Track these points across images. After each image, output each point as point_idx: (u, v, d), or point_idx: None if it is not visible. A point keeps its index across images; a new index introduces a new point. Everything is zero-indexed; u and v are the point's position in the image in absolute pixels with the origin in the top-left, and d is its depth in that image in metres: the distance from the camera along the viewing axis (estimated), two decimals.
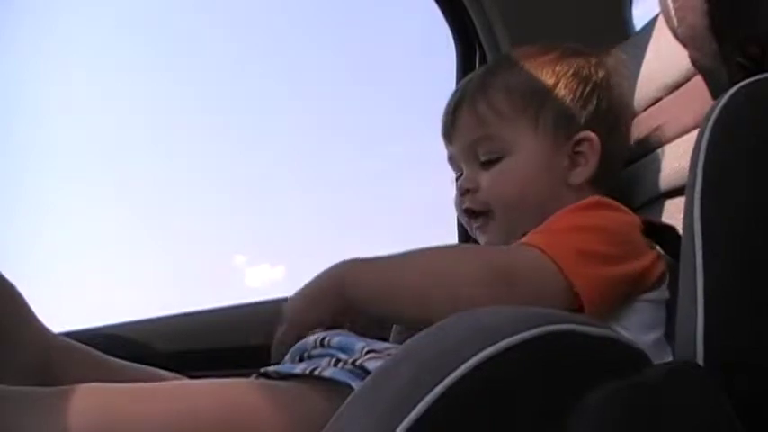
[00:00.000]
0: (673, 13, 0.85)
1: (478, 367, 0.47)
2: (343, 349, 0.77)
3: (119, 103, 2.15)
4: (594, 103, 1.00)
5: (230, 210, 2.29)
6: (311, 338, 0.82)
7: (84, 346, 0.94)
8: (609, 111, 1.01)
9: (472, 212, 1.02)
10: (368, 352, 0.75)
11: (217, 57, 2.26)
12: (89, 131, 2.12)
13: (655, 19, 1.08)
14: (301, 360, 0.81)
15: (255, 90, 2.30)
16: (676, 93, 1.01)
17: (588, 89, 1.00)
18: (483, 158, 1.00)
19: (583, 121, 0.99)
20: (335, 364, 0.74)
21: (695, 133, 0.69)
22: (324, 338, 0.80)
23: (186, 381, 0.76)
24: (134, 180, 2.19)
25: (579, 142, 0.98)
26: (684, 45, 0.87)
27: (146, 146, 2.22)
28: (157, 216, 2.26)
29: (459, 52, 1.55)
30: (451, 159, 1.07)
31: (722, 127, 0.63)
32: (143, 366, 0.97)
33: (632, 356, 0.51)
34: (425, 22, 1.65)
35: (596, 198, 0.91)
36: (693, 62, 0.88)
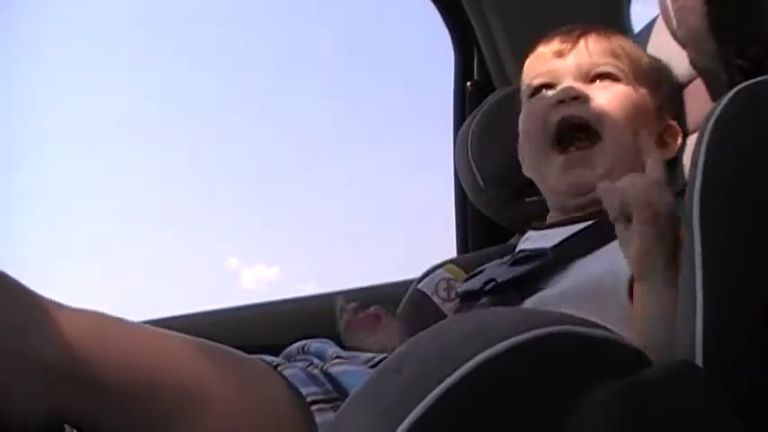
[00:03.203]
0: (672, 14, 0.85)
1: (479, 368, 0.47)
2: (318, 356, 0.82)
3: (112, 104, 2.15)
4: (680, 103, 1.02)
5: (224, 211, 2.29)
6: (294, 346, 0.86)
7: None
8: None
9: (575, 124, 0.96)
10: (335, 358, 0.79)
11: (209, 57, 2.26)
12: (84, 133, 2.12)
13: (654, 21, 1.08)
14: None
15: (250, 91, 2.30)
16: None
17: (678, 90, 1.03)
18: (600, 72, 0.97)
19: (674, 113, 1.01)
20: (307, 369, 0.77)
21: (696, 135, 0.69)
22: (304, 346, 0.85)
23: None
24: (128, 182, 2.19)
25: (668, 128, 1.00)
26: (684, 47, 0.87)
27: (139, 148, 2.21)
28: (152, 217, 2.25)
29: (457, 55, 1.55)
30: (541, 76, 1.02)
31: (722, 129, 0.63)
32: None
33: (631, 357, 0.51)
34: (425, 26, 1.65)
35: None
36: (693, 64, 0.88)
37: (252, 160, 2.33)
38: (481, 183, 1.23)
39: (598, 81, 0.98)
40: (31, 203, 1.95)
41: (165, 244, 2.26)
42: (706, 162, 0.62)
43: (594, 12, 1.31)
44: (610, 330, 0.52)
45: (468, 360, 0.47)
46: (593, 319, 0.56)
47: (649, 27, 1.10)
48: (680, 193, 0.86)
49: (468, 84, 1.51)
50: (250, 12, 2.21)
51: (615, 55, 0.99)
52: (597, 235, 0.90)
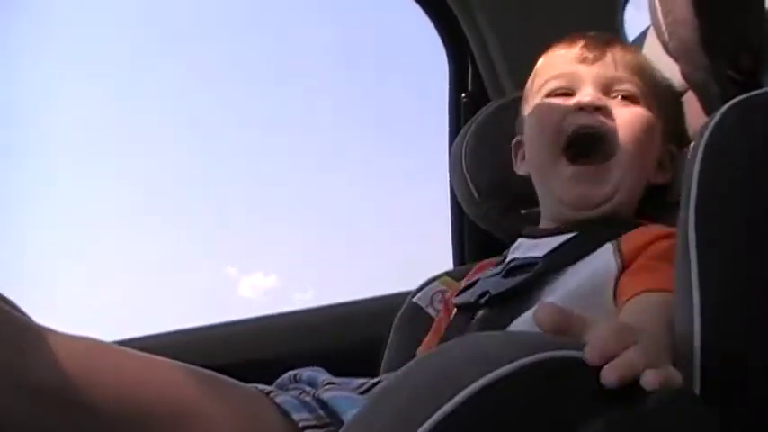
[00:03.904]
0: (664, 27, 0.85)
1: (478, 393, 0.47)
2: (310, 383, 0.82)
3: (112, 106, 2.15)
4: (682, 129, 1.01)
5: (223, 219, 2.29)
6: (286, 375, 0.86)
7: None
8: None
9: (591, 135, 0.93)
10: (326, 384, 0.79)
11: (208, 61, 2.26)
12: (83, 136, 2.12)
13: (646, 31, 1.08)
14: None
15: (248, 99, 2.30)
16: None
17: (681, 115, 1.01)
18: (621, 89, 0.96)
19: (676, 138, 0.99)
20: (299, 396, 0.78)
21: (691, 147, 0.69)
22: (296, 375, 0.85)
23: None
24: (126, 190, 2.19)
25: (668, 153, 0.99)
26: (676, 59, 0.87)
27: (138, 154, 2.21)
28: (150, 225, 2.25)
29: (451, 67, 1.55)
30: (561, 77, 0.99)
31: (716, 144, 0.63)
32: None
33: (628, 384, 0.51)
34: (420, 37, 1.65)
35: None
36: (685, 77, 0.88)
37: (251, 169, 2.33)
38: (476, 195, 1.23)
39: (619, 97, 0.96)
40: (30, 204, 1.95)
41: (164, 252, 2.26)
42: (701, 177, 0.63)
43: (589, 21, 1.31)
44: None
45: (467, 385, 0.47)
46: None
47: (641, 37, 1.10)
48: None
49: (463, 95, 1.51)
50: (250, 15, 2.22)
51: (637, 72, 0.98)
52: (588, 242, 0.89)
